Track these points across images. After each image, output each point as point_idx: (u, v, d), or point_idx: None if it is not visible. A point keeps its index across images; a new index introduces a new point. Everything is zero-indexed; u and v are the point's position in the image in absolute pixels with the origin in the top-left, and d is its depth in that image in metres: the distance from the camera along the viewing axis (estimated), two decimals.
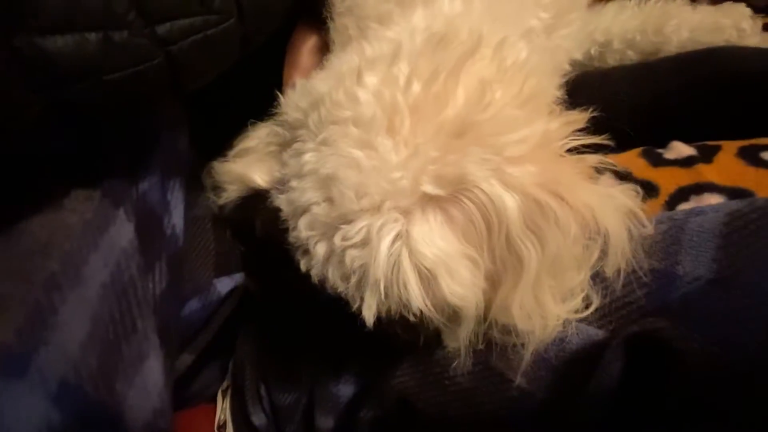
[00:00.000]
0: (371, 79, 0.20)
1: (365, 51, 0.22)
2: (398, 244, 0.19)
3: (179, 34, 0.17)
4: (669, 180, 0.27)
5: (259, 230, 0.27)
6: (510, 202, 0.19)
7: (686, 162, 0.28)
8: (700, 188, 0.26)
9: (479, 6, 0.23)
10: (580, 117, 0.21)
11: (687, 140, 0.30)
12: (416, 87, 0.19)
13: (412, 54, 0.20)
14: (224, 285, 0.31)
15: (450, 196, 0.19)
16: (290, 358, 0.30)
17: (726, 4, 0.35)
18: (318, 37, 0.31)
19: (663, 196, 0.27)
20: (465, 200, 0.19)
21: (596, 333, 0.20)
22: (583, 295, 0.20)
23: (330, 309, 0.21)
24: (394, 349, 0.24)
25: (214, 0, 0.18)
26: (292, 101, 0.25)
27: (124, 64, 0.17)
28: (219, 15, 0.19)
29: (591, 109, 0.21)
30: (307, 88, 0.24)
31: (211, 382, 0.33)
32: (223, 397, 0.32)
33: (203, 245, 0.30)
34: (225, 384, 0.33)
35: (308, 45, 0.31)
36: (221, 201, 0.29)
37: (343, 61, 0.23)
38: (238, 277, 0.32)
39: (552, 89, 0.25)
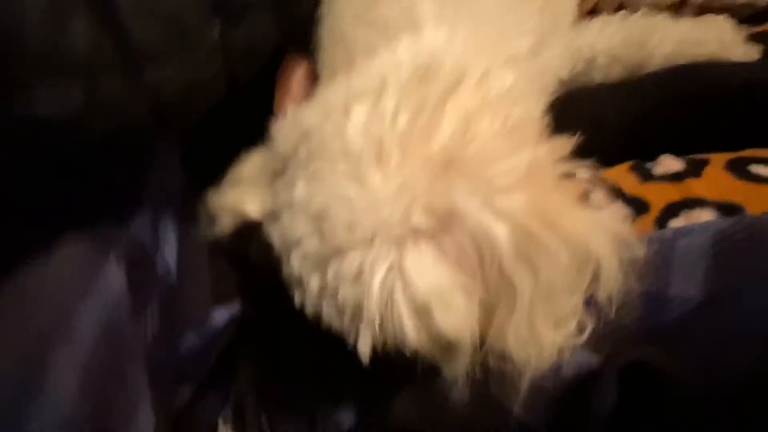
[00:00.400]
0: (358, 113, 0.20)
1: (352, 84, 0.22)
2: (391, 277, 0.19)
3: (165, 79, 0.17)
4: (659, 196, 0.28)
5: (254, 259, 0.27)
6: (500, 231, 0.19)
7: (675, 177, 0.28)
8: (690, 204, 0.26)
9: (463, 35, 0.23)
10: (567, 142, 0.21)
11: (676, 153, 0.30)
12: (403, 120, 0.19)
13: (397, 87, 0.20)
14: (221, 315, 0.31)
15: (441, 228, 0.19)
16: (291, 386, 0.30)
17: (709, 17, 0.35)
18: (308, 64, 0.31)
19: (654, 213, 0.27)
20: (456, 231, 0.19)
21: (591, 359, 0.20)
22: (577, 320, 0.20)
23: (328, 336, 0.21)
24: (393, 376, 0.24)
25: (200, 42, 0.18)
26: (283, 132, 0.25)
27: (111, 114, 0.17)
28: (206, 61, 0.19)
29: (578, 133, 0.22)
30: (297, 121, 0.24)
31: (213, 410, 0.32)
32: (225, 425, 0.32)
33: (199, 276, 0.30)
34: (227, 412, 0.33)
35: (298, 72, 0.31)
36: (216, 231, 0.29)
37: (330, 93, 0.23)
38: (235, 306, 0.32)
39: (539, 114, 0.26)
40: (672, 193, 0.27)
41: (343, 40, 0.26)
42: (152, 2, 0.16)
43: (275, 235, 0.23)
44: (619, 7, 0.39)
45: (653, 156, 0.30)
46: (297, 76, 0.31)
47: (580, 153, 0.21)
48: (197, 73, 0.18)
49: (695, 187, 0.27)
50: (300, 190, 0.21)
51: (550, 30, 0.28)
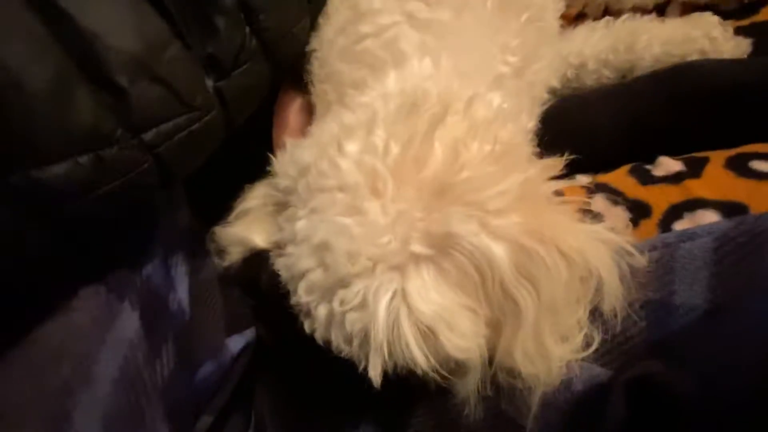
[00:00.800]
0: (351, 147, 0.21)
1: (343, 119, 0.23)
2: (395, 303, 0.20)
3: (165, 137, 0.18)
4: (660, 198, 0.27)
5: (264, 287, 0.28)
6: (499, 251, 0.19)
7: (675, 178, 0.28)
8: (692, 205, 0.26)
9: (447, 64, 0.24)
10: (557, 161, 0.21)
11: (674, 154, 0.30)
12: (394, 151, 0.20)
13: (387, 120, 0.21)
14: (236, 343, 0.32)
15: (440, 252, 0.20)
16: (308, 408, 0.30)
17: (694, 15, 0.35)
18: (303, 97, 0.32)
19: (656, 216, 0.27)
20: (455, 254, 0.20)
21: (600, 372, 0.20)
22: (583, 334, 0.20)
23: (342, 359, 0.22)
24: (408, 395, 0.24)
25: (195, 98, 0.19)
26: (282, 168, 0.26)
27: (116, 176, 0.18)
28: (201, 110, 0.20)
29: (571, 144, 0.22)
30: (294, 157, 0.25)
31: None
32: None
33: (212, 308, 0.31)
34: None
35: (294, 105, 0.32)
36: (226, 263, 0.30)
37: (324, 129, 0.24)
38: (249, 333, 0.33)
39: (530, 128, 0.26)
40: (673, 195, 0.27)
41: (333, 74, 0.27)
42: (147, 68, 0.17)
43: (282, 267, 0.23)
44: (605, 12, 0.39)
45: (650, 158, 0.30)
46: (293, 109, 0.32)
47: (576, 160, 0.22)
48: (194, 125, 0.19)
49: (696, 187, 0.26)
50: (302, 224, 0.22)
51: (536, 43, 0.29)
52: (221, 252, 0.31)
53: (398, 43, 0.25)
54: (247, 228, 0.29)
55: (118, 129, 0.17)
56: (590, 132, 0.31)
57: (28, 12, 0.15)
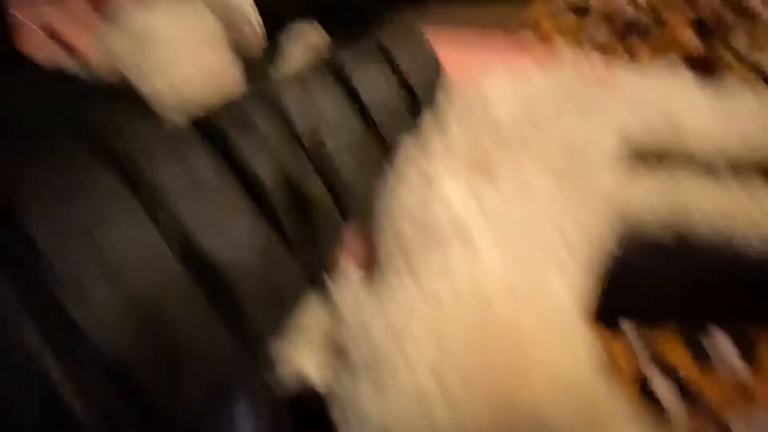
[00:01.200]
0: (420, 345, 0.22)
1: (409, 295, 0.24)
2: None
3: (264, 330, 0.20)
4: (718, 394, 0.26)
5: (318, 424, 0.28)
6: None
7: (731, 368, 0.27)
8: (750, 409, 0.25)
9: (511, 251, 0.25)
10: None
11: (719, 322, 0.29)
12: (463, 356, 0.21)
13: (455, 316, 0.22)
14: None
15: None
16: None
17: (751, 185, 0.35)
18: (366, 232, 0.34)
19: (714, 412, 0.26)
20: None
21: None
22: None
23: None
24: None
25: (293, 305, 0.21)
26: (345, 308, 0.27)
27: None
28: (293, 304, 0.22)
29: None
30: (358, 311, 0.26)
31: None
32: None
33: None
34: None
35: (358, 237, 0.33)
36: (279, 390, 0.30)
37: (392, 299, 0.25)
38: None
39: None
40: (732, 394, 0.26)
41: (398, 234, 0.29)
42: (267, 292, 0.19)
43: (338, 421, 0.24)
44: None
45: (700, 324, 0.29)
46: (356, 239, 0.33)
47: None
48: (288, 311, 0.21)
49: (756, 390, 0.26)
50: (366, 399, 0.23)
51: (595, 218, 0.29)
52: (275, 375, 0.32)
53: (464, 223, 0.27)
54: (300, 353, 0.30)
55: (240, 351, 0.19)
56: (642, 288, 0.31)
57: (174, 259, 0.17)
